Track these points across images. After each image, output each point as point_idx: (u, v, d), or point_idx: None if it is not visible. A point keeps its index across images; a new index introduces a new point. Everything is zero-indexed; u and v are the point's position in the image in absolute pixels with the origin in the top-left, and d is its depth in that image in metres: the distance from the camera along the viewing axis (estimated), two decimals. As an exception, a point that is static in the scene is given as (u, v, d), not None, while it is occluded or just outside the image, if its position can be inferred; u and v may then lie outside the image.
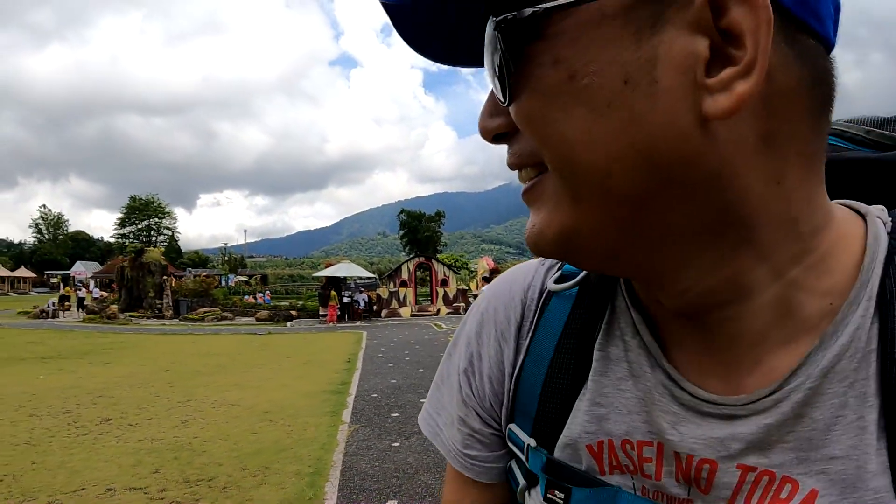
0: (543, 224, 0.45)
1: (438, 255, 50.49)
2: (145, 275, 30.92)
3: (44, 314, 29.31)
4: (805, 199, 0.44)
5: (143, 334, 21.09)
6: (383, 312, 29.17)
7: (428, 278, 31.56)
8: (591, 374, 0.55)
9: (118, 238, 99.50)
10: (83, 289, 37.05)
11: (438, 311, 29.56)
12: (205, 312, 28.36)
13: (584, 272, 0.60)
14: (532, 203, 0.47)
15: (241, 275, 65.43)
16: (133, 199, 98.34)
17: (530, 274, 0.65)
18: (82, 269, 79.46)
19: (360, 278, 30.60)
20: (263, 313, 28.10)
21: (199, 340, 19.15)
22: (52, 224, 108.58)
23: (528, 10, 0.39)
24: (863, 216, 0.50)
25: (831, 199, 0.50)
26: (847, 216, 0.50)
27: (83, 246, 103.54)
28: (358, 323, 26.24)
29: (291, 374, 11.83)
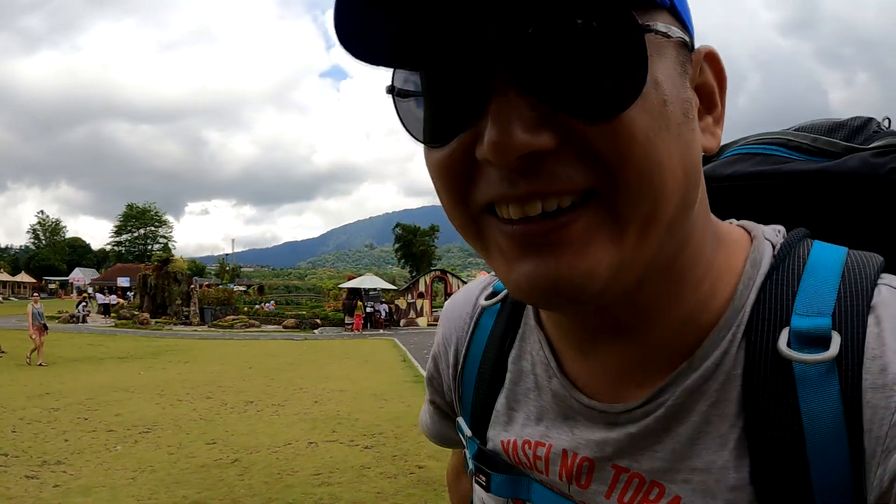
0: (593, 263, 0.41)
1: (432, 269, 52.42)
2: (171, 283, 32.39)
3: (74, 319, 30.67)
4: (707, 226, 0.51)
5: (189, 339, 22.71)
6: (402, 322, 31.00)
7: (442, 289, 33.40)
8: (505, 381, 0.62)
9: (114, 245, 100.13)
10: (110, 295, 38.36)
11: (454, 322, 31.33)
12: (233, 320, 29.96)
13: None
14: (558, 243, 0.41)
15: (239, 284, 66.71)
16: (130, 207, 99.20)
17: (475, 290, 0.71)
18: (81, 276, 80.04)
19: (374, 290, 32.33)
20: (290, 321, 29.75)
21: (248, 344, 20.89)
22: (49, 230, 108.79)
23: (661, 26, 0.41)
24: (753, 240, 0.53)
25: (767, 215, 0.60)
26: (738, 241, 0.53)
27: (80, 252, 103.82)
28: (381, 331, 28.00)
29: (363, 370, 13.69)
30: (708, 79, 0.48)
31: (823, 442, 0.43)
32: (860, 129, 0.70)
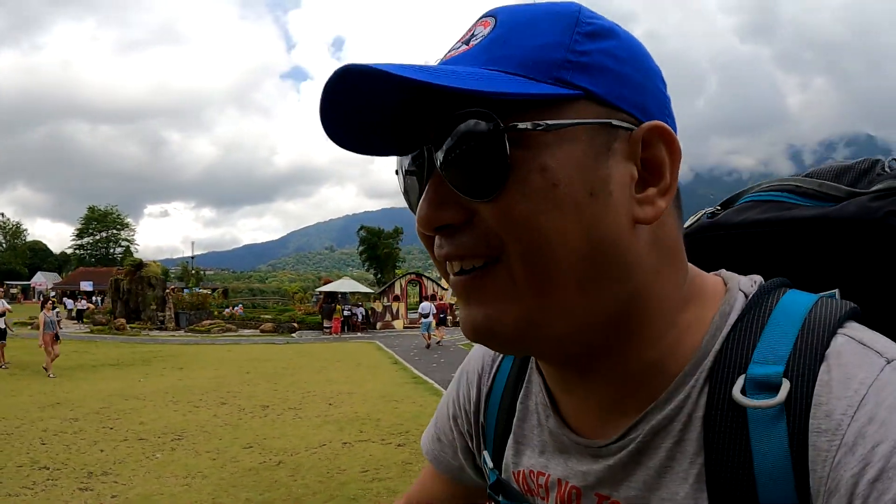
0: (498, 314, 0.50)
1: (397, 271, 52.08)
2: (145, 287, 31.62)
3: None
4: (674, 284, 0.54)
5: (171, 345, 22.27)
6: (378, 325, 31.05)
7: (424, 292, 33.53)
8: (515, 419, 0.68)
9: (76, 249, 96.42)
10: (81, 300, 37.06)
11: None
12: (210, 324, 29.45)
13: None
14: (474, 293, 0.51)
15: (203, 288, 65.35)
16: (91, 209, 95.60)
17: None
18: (43, 280, 77.04)
19: (352, 293, 32.29)
20: (268, 325, 29.45)
21: (233, 349, 20.66)
22: (10, 233, 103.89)
23: (528, 125, 0.47)
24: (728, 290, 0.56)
25: (773, 262, 0.65)
26: (713, 293, 0.57)
27: (41, 256, 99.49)
28: (359, 334, 28.02)
29: (361, 373, 13.85)
30: (656, 152, 0.51)
31: (772, 480, 0.46)
32: (866, 171, 0.71)
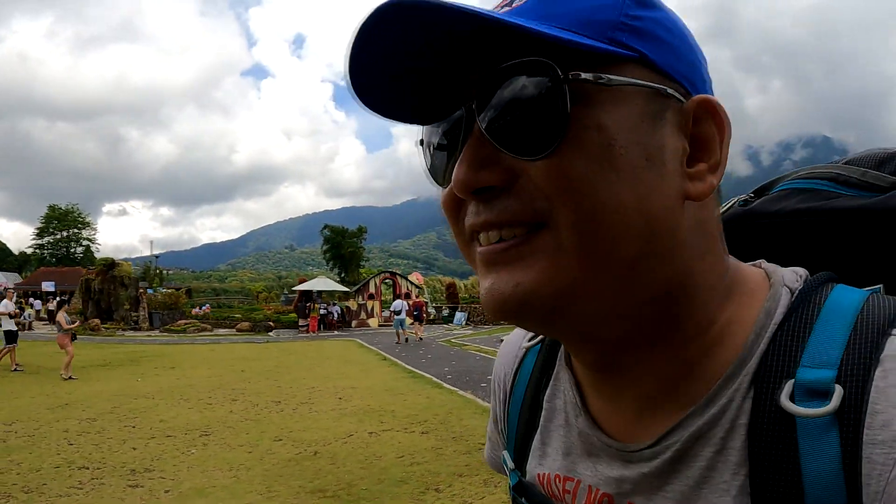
0: (537, 282, 0.45)
1: (361, 270, 51.92)
2: (118, 287, 30.79)
3: (20, 326, 28.49)
4: (717, 273, 0.50)
5: (153, 345, 21.84)
6: (354, 323, 31.11)
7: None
8: (541, 419, 0.63)
9: (35, 249, 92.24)
10: (51, 301, 35.71)
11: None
12: (185, 324, 28.92)
13: None
14: (514, 261, 0.46)
15: (167, 288, 63.78)
16: (52, 208, 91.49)
17: (523, 331, 0.72)
18: (3, 281, 73.51)
19: (327, 292, 32.19)
20: (244, 325, 29.11)
21: (216, 349, 20.42)
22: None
23: (590, 76, 0.43)
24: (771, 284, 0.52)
25: (814, 253, 0.60)
26: (756, 288, 0.52)
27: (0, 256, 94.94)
28: (335, 332, 28.02)
29: (354, 370, 14.02)
30: (705, 128, 0.48)
31: (822, 495, 0.42)
32: None
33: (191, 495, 5.48)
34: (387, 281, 33.72)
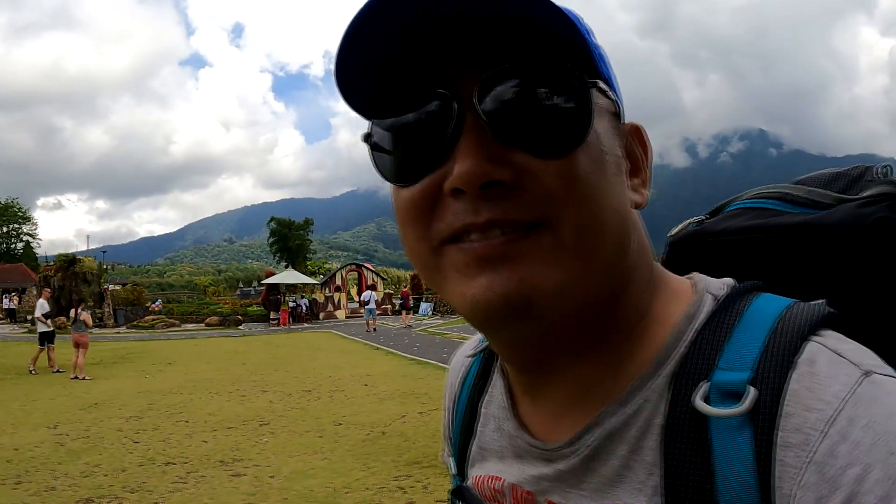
0: (542, 277, 0.44)
1: (308, 263, 51.56)
2: (79, 284, 29.31)
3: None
4: (646, 273, 0.52)
5: (130, 342, 21.07)
6: (321, 315, 31.04)
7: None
8: (478, 425, 0.63)
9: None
10: (7, 299, 33.44)
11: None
12: (153, 320, 27.99)
13: (486, 343, 0.65)
14: (517, 257, 0.44)
15: (114, 283, 60.79)
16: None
17: (472, 343, 0.72)
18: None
19: (294, 285, 31.96)
20: (214, 319, 28.51)
21: (199, 343, 20.12)
22: None
23: (602, 84, 0.46)
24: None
25: (756, 267, 0.60)
26: (680, 293, 0.53)
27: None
28: (305, 325, 27.93)
29: (356, 359, 14.36)
30: (635, 148, 0.53)
31: (734, 495, 0.42)
32: (858, 178, 0.67)
33: (297, 478, 5.69)
34: (352, 273, 33.82)
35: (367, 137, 0.50)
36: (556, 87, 0.43)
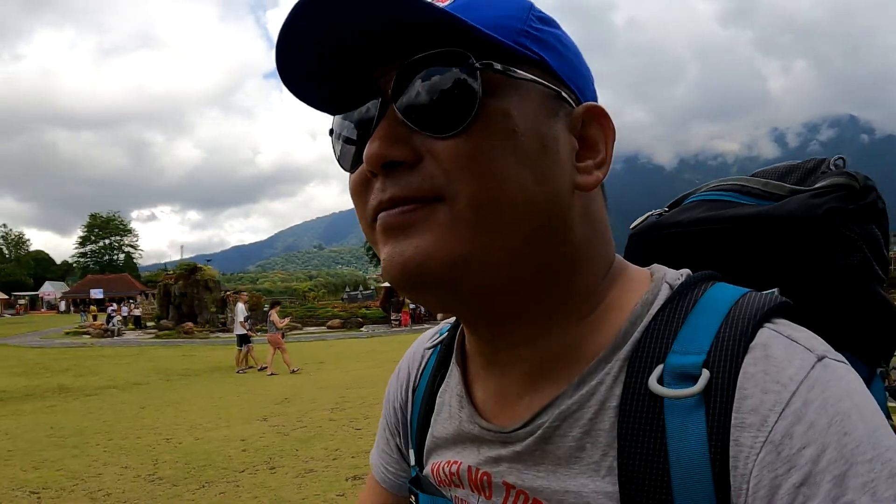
0: (434, 246, 0.47)
1: None
2: (201, 290, 31.28)
3: (108, 333, 29.17)
4: (602, 259, 0.55)
5: (266, 344, 22.02)
6: (439, 316, 31.09)
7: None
8: (434, 414, 0.66)
9: (78, 257, 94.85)
10: (135, 308, 36.55)
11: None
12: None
13: (448, 334, 0.69)
14: (411, 226, 0.48)
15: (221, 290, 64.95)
16: (93, 216, 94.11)
17: (429, 334, 0.75)
18: (51, 290, 75.67)
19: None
20: (336, 322, 29.39)
21: (333, 344, 20.77)
22: (13, 244, 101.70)
23: (499, 66, 0.48)
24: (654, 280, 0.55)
25: (711, 258, 0.64)
26: (638, 280, 0.56)
27: (44, 266, 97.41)
28: (425, 325, 28.10)
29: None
30: (592, 131, 0.54)
31: (688, 475, 0.44)
32: (812, 170, 0.71)
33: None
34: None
35: (331, 131, 0.57)
36: (444, 72, 0.47)
